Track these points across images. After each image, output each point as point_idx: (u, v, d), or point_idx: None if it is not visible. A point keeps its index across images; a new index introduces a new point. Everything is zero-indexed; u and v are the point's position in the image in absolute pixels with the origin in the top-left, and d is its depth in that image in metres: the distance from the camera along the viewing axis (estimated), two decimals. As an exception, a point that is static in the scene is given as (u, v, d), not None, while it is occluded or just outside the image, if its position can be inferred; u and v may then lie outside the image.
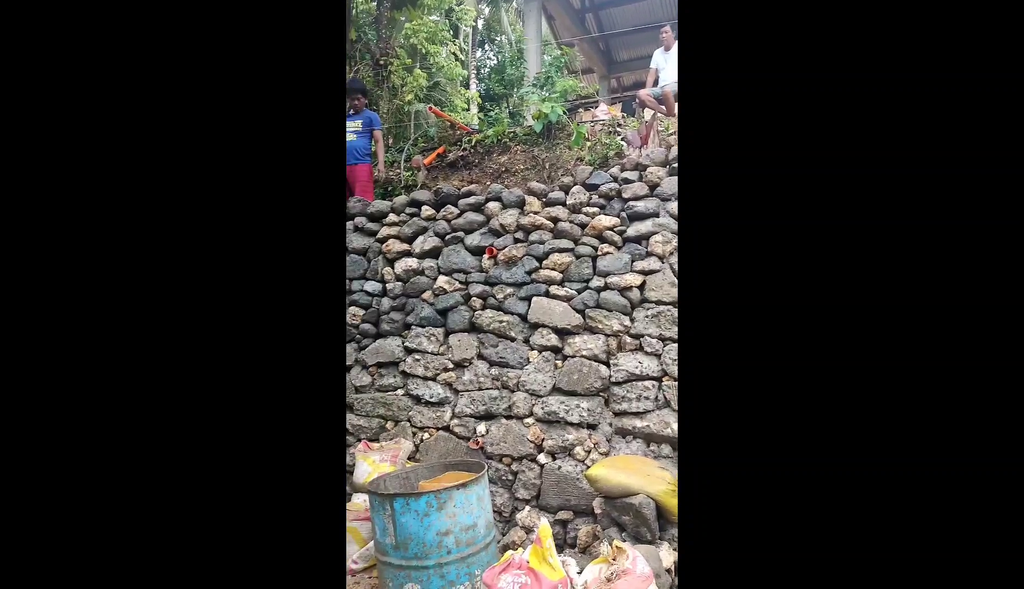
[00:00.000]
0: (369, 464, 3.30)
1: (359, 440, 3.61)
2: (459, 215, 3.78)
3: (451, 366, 3.58)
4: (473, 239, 3.70)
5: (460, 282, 3.68)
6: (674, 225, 3.35)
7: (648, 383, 3.19)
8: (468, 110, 8.12)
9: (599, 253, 3.46)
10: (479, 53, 11.61)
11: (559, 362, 3.40)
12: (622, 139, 4.04)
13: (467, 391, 3.51)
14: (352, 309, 3.85)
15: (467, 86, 9.51)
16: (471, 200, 3.78)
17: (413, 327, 3.69)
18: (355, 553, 3.13)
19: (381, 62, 6.08)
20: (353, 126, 4.35)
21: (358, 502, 3.33)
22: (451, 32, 8.60)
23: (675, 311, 3.20)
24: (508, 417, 3.39)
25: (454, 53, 8.73)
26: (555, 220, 3.56)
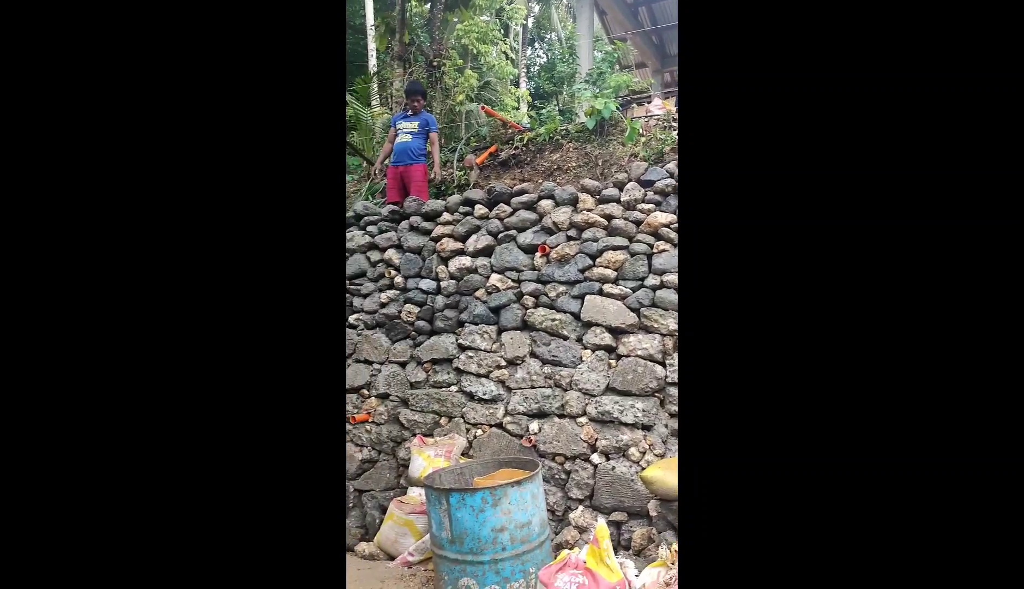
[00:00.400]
0: (424, 459, 3.35)
1: (414, 435, 3.68)
2: (512, 213, 3.79)
3: (504, 363, 3.59)
4: (526, 237, 3.70)
5: (513, 280, 3.69)
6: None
7: (705, 384, 3.11)
8: (518, 108, 8.13)
9: (655, 251, 3.39)
10: (529, 51, 11.61)
11: (613, 361, 3.36)
12: (677, 134, 3.96)
13: (520, 389, 3.52)
14: (407, 306, 3.92)
15: (517, 85, 9.53)
16: (523, 198, 3.78)
17: (467, 324, 3.73)
18: (411, 546, 3.19)
19: (434, 64, 6.17)
20: (410, 127, 4.42)
21: (414, 495, 3.40)
22: (502, 31, 8.64)
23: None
24: (561, 416, 3.38)
25: (504, 52, 8.77)
26: (609, 217, 3.52)
